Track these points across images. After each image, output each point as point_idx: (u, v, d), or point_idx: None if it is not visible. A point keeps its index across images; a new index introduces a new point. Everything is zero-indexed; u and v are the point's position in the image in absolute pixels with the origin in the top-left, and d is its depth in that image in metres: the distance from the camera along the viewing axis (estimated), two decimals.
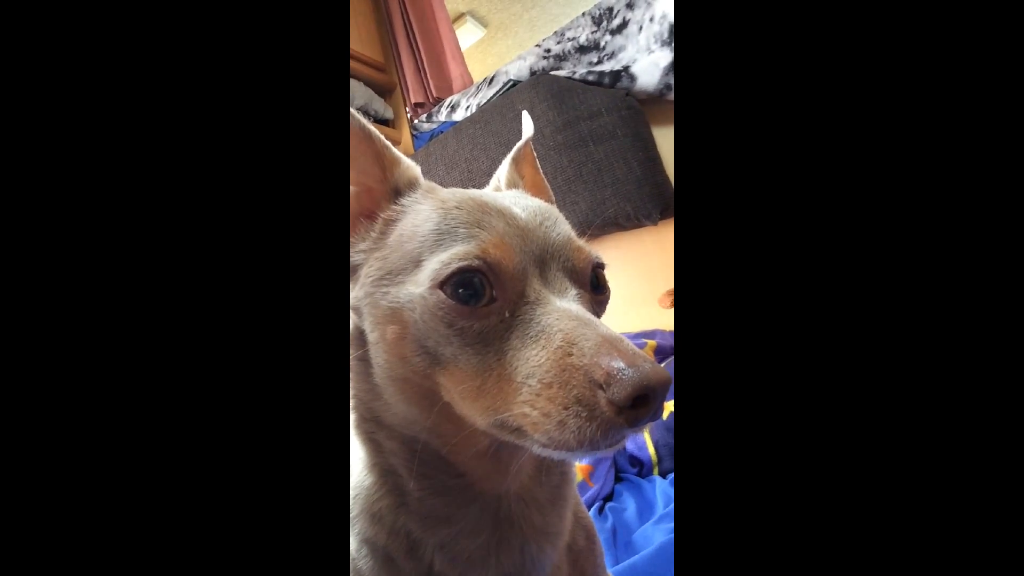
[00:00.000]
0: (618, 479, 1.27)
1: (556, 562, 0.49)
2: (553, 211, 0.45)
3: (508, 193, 0.51)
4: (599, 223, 1.66)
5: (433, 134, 2.25)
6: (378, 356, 0.42)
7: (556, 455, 0.35)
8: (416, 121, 2.38)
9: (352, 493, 0.49)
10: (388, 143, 0.47)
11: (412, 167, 0.48)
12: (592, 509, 1.15)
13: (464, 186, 0.56)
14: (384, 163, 0.46)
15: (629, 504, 1.15)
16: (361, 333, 0.44)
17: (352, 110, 0.46)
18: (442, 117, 2.24)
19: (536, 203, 0.45)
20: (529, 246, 0.39)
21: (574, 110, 1.73)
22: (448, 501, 0.44)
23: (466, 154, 1.96)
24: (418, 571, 0.44)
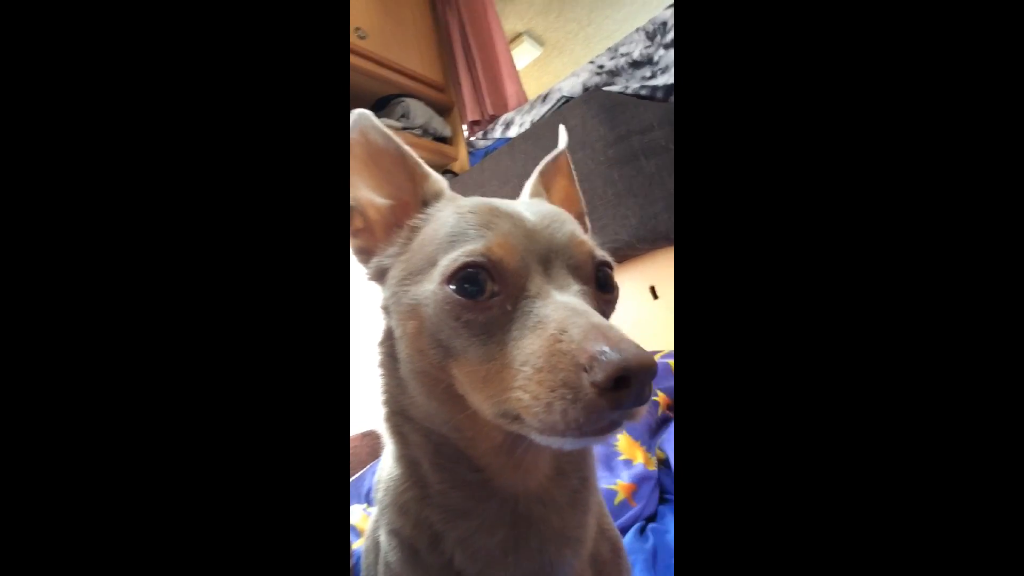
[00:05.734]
0: (662, 500, 1.23)
1: (578, 570, 0.49)
2: (563, 214, 0.47)
3: (525, 200, 0.53)
4: (650, 237, 1.63)
5: (488, 151, 2.32)
6: (402, 351, 0.45)
7: (549, 441, 0.36)
8: (472, 138, 2.46)
9: (383, 485, 0.52)
10: (420, 160, 0.52)
11: (439, 180, 0.52)
12: (633, 529, 1.12)
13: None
14: (416, 178, 0.51)
15: (672, 525, 1.11)
16: (390, 332, 0.47)
17: (391, 133, 0.51)
18: (497, 134, 2.30)
19: (548, 208, 0.47)
20: (534, 245, 0.41)
21: (626, 124, 1.72)
22: (467, 495, 0.45)
23: (518, 169, 2.00)
24: (440, 564, 0.46)
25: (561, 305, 0.37)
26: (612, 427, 0.34)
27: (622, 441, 1.30)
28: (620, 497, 1.19)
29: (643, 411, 0.34)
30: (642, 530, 1.11)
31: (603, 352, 0.32)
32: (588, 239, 0.46)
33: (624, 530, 1.13)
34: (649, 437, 1.32)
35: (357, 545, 1.19)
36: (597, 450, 1.28)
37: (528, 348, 0.36)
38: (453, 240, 0.42)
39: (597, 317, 0.36)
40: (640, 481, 1.24)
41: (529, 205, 0.47)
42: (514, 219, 0.43)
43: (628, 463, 1.28)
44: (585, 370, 0.32)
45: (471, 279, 0.39)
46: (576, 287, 0.41)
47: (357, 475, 1.73)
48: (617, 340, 0.33)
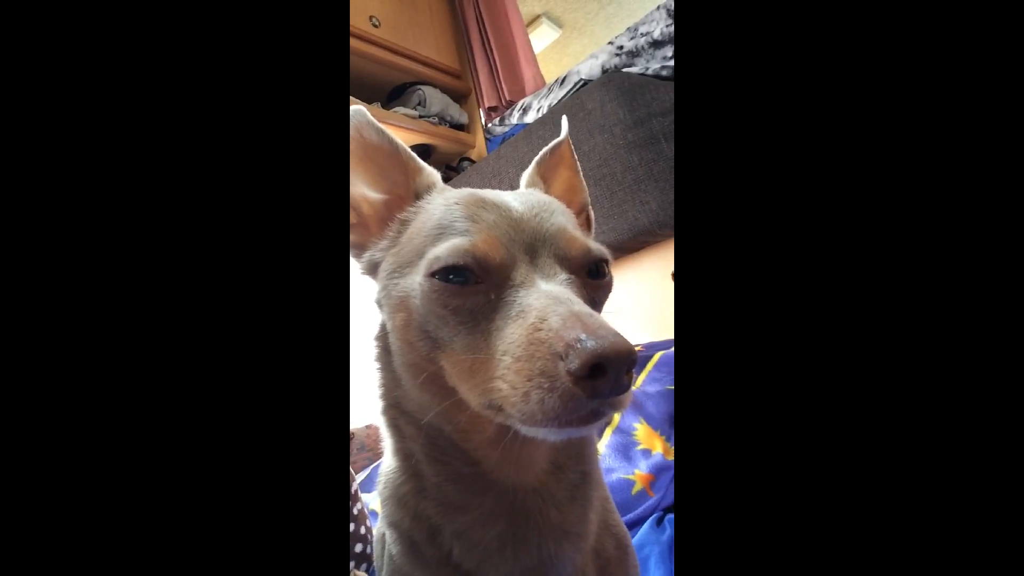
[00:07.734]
0: None
1: (580, 565, 0.48)
2: (553, 204, 0.46)
3: (517, 191, 0.52)
4: (670, 222, 1.59)
5: (505, 137, 2.29)
6: (393, 344, 0.45)
7: (532, 431, 0.36)
8: (489, 125, 2.43)
9: (383, 478, 0.52)
10: (413, 154, 0.52)
11: (432, 174, 0.52)
12: (650, 520, 1.11)
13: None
14: (409, 172, 0.51)
15: None
16: (384, 326, 0.47)
17: (382, 127, 0.51)
18: (514, 120, 2.27)
19: (538, 198, 0.47)
20: (520, 235, 0.41)
21: (646, 107, 1.67)
22: (463, 488, 0.45)
23: (535, 155, 1.97)
24: (438, 557, 0.46)
25: (544, 294, 0.37)
26: (594, 417, 0.33)
27: (640, 430, 1.28)
28: (638, 487, 1.18)
29: (627, 400, 0.33)
30: (659, 521, 1.10)
31: (579, 340, 0.31)
32: (579, 233, 0.45)
33: (642, 520, 1.12)
34: (668, 427, 1.29)
35: (377, 530, 1.22)
36: (615, 439, 1.27)
37: (509, 337, 0.36)
38: (440, 232, 0.42)
39: (579, 305, 0.35)
40: (658, 471, 1.22)
41: (518, 195, 0.46)
42: (500, 209, 0.43)
43: (647, 453, 1.26)
44: (562, 358, 0.32)
45: (456, 270, 0.39)
46: (563, 276, 0.40)
47: (376, 464, 1.77)
48: (595, 328, 0.32)
